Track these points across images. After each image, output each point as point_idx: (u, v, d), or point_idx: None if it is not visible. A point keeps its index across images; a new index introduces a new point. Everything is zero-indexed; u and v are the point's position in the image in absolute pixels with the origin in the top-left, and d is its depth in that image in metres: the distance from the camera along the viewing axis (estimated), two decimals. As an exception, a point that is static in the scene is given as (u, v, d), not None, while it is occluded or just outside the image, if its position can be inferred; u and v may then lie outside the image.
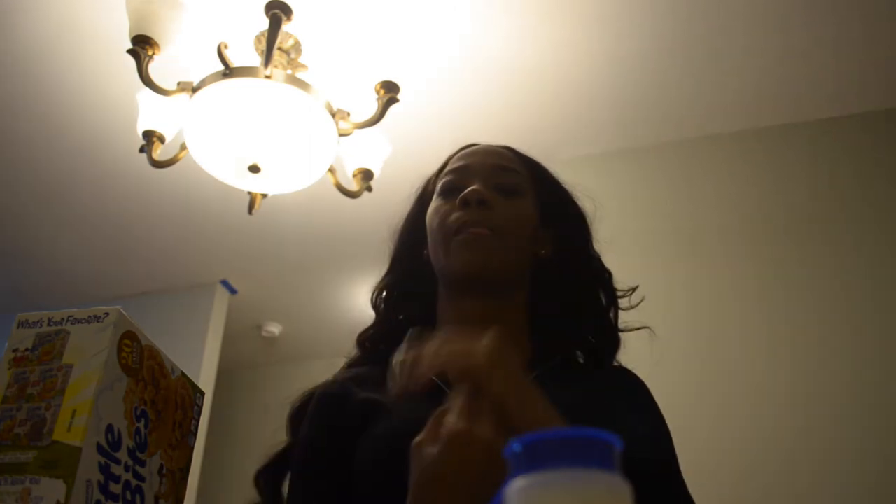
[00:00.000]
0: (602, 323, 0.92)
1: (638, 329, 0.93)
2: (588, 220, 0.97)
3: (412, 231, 0.96)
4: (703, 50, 2.33)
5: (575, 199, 0.98)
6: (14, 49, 2.35)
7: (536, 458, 0.32)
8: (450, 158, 0.97)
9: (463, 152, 0.96)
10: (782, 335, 2.24)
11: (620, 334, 0.93)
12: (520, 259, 0.88)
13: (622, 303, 0.93)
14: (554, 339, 0.89)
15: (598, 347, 0.91)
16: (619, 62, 2.38)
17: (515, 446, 0.33)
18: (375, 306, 0.95)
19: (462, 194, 0.85)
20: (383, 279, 0.96)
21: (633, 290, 0.94)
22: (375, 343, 0.92)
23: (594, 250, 0.96)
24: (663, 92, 2.49)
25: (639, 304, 0.93)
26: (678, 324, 2.33)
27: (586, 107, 2.56)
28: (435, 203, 0.91)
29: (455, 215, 0.85)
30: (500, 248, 0.84)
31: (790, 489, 2.02)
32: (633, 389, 0.87)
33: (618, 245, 2.52)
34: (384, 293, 0.95)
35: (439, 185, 0.92)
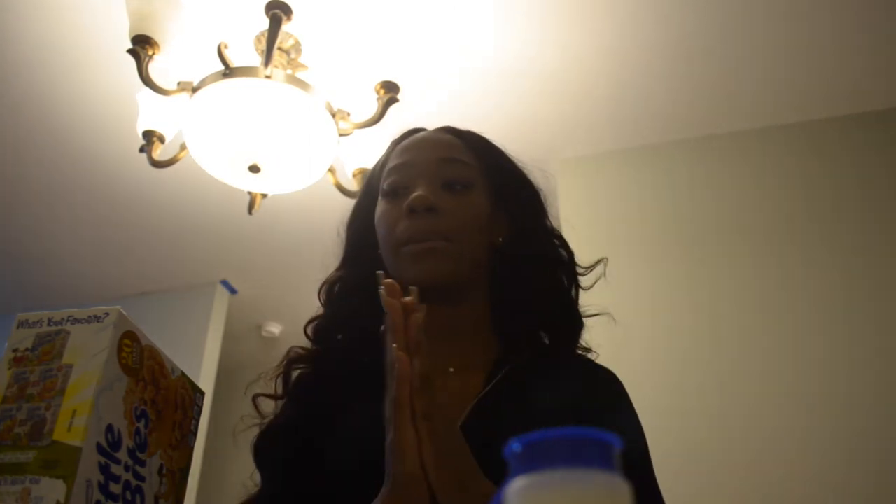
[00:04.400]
0: (563, 304, 0.88)
1: (597, 315, 0.89)
2: (543, 197, 0.92)
3: (363, 228, 0.91)
4: (701, 51, 2.33)
5: (528, 178, 0.92)
6: (14, 49, 2.35)
7: (536, 458, 0.32)
8: (394, 146, 0.93)
9: (405, 144, 0.90)
10: (782, 335, 2.24)
11: (585, 317, 0.89)
12: (474, 257, 0.84)
13: (589, 279, 0.90)
14: (520, 332, 0.86)
15: (561, 330, 0.88)
16: (618, 63, 2.38)
17: (515, 446, 0.33)
18: (325, 301, 0.90)
19: (408, 202, 0.81)
20: (336, 273, 0.91)
21: (595, 265, 0.90)
22: (329, 334, 0.88)
23: (551, 229, 0.91)
24: (664, 92, 2.49)
25: (597, 281, 0.89)
26: (678, 323, 2.33)
27: (587, 107, 2.55)
28: (381, 206, 0.87)
29: (402, 224, 0.81)
30: (451, 256, 0.81)
31: (789, 486, 2.02)
32: (608, 389, 0.84)
33: (616, 244, 2.53)
34: (336, 287, 0.90)
35: (384, 183, 0.88)
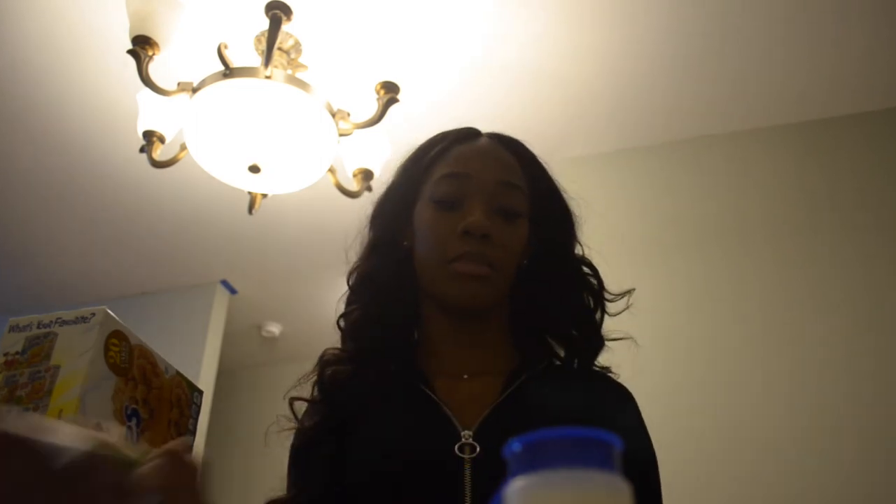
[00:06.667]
0: (586, 325, 0.89)
1: (621, 339, 0.90)
2: (575, 222, 0.93)
3: (395, 216, 0.90)
4: (703, 50, 2.33)
5: (567, 204, 0.93)
6: (13, 49, 2.35)
7: (536, 458, 0.32)
8: (447, 142, 0.91)
9: (464, 152, 0.89)
10: (783, 334, 2.23)
11: (608, 340, 0.90)
12: (510, 281, 0.86)
13: (616, 306, 0.90)
14: (538, 344, 0.88)
15: (581, 348, 0.89)
16: (619, 64, 2.38)
17: (515, 446, 0.32)
18: (356, 291, 0.90)
19: (465, 224, 0.81)
20: (362, 264, 0.91)
21: (628, 293, 0.91)
22: (361, 329, 0.88)
23: (578, 253, 0.92)
24: (664, 92, 2.49)
25: (626, 308, 0.90)
26: (679, 322, 2.33)
27: (587, 107, 2.55)
28: (430, 211, 0.86)
29: (454, 243, 0.82)
30: (494, 284, 0.83)
31: (790, 487, 2.01)
32: (623, 406, 0.85)
33: (617, 245, 2.53)
34: (368, 278, 0.90)
35: (435, 186, 0.86)
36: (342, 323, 0.90)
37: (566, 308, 0.88)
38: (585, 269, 0.91)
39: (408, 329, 0.90)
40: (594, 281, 0.90)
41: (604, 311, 0.90)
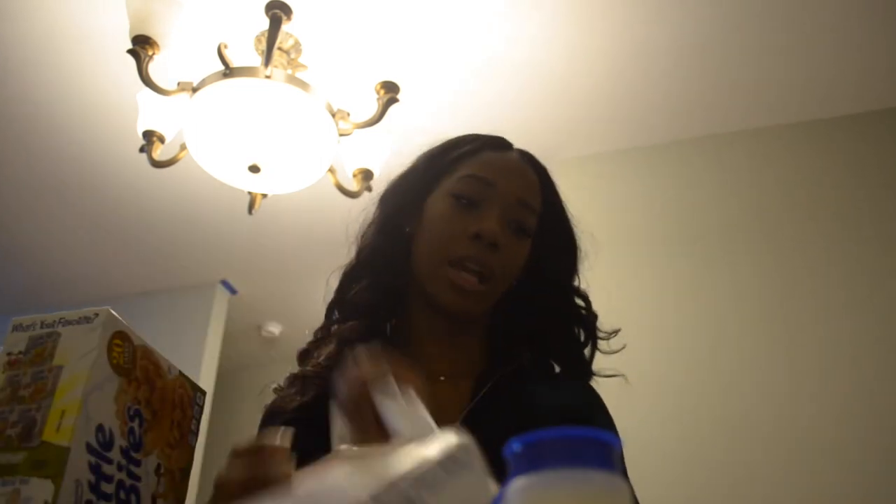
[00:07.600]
0: (573, 357, 0.90)
1: (611, 376, 0.90)
2: (578, 255, 0.94)
3: (407, 200, 0.91)
4: (702, 50, 2.33)
5: (573, 235, 0.94)
6: (11, 48, 2.35)
7: (536, 458, 0.32)
8: (477, 142, 0.92)
9: (494, 159, 0.90)
10: (783, 333, 2.23)
11: (597, 376, 0.91)
12: (500, 295, 0.87)
13: (609, 346, 0.91)
14: (512, 348, 0.89)
15: (565, 371, 0.90)
16: (619, 64, 2.38)
17: (515, 446, 0.32)
18: (363, 265, 0.90)
19: (478, 229, 0.82)
20: (371, 241, 0.91)
21: (615, 332, 0.92)
22: (368, 310, 0.88)
23: (578, 287, 0.93)
24: (664, 92, 2.48)
25: (620, 349, 0.91)
26: (680, 322, 2.33)
27: (587, 107, 2.55)
28: (445, 204, 0.86)
29: (462, 244, 0.83)
30: (487, 297, 0.85)
31: (790, 487, 2.01)
32: (593, 405, 0.87)
33: (617, 245, 2.52)
34: (372, 257, 0.90)
35: (457, 182, 0.87)
36: (346, 296, 0.90)
37: (552, 335, 0.90)
38: (580, 303, 0.92)
39: (389, 319, 0.90)
40: (587, 315, 0.91)
41: (594, 347, 0.91)
